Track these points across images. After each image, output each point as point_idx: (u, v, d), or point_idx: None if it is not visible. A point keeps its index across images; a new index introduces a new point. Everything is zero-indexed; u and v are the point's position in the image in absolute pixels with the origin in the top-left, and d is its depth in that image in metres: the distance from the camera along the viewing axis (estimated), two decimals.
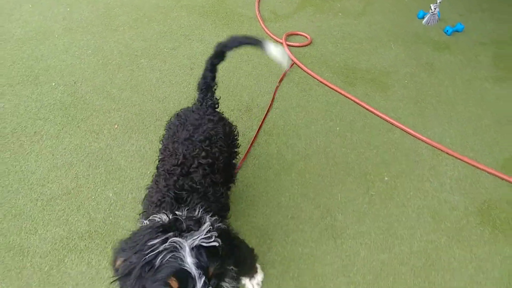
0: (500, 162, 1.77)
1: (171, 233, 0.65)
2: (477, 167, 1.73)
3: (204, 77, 1.25)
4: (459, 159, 1.76)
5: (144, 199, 1.05)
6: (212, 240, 0.66)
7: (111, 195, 1.51)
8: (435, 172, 1.70)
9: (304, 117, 1.92)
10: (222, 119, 1.21)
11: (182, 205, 0.90)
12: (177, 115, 1.19)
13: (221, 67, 1.27)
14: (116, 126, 1.80)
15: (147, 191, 1.04)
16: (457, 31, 2.74)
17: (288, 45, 2.37)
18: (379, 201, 1.56)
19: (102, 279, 1.26)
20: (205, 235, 0.66)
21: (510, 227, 1.52)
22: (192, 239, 0.64)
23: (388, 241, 1.42)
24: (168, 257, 0.61)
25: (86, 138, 1.73)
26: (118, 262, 0.68)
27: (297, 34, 2.52)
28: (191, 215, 0.78)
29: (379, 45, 2.51)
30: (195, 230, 0.67)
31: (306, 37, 2.48)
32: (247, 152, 1.71)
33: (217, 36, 2.44)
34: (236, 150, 1.28)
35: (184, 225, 0.69)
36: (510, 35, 2.75)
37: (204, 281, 0.61)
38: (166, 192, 0.93)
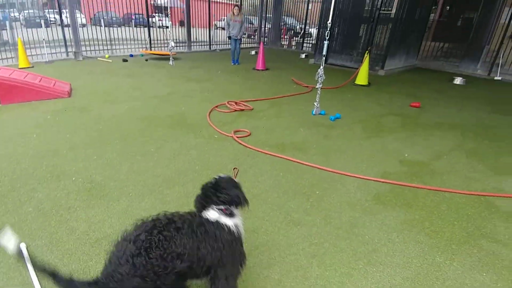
0: (379, 174, 2.94)
1: None
2: (367, 179, 2.84)
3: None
4: (355, 176, 2.87)
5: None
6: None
7: None
8: (344, 185, 2.74)
9: (258, 171, 2.90)
10: None
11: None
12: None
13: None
14: (130, 194, 2.48)
15: None
16: (337, 118, 4.40)
17: (237, 136, 3.55)
18: (316, 204, 2.45)
19: None
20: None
21: (392, 203, 2.52)
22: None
23: (327, 219, 2.26)
24: None
25: (108, 204, 2.35)
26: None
27: (240, 131, 3.77)
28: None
29: (293, 130, 3.90)
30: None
31: (246, 131, 3.74)
32: None
33: (187, 138, 3.50)
34: None
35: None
36: (366, 117, 4.51)
37: None
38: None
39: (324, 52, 4.09)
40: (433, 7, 12.01)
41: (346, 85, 6.71)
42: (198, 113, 4.32)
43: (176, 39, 11.47)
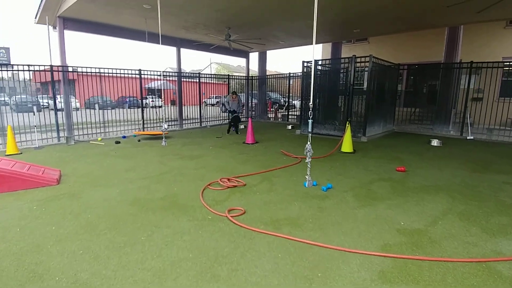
0: (379, 247, 2.87)
1: None
2: (368, 254, 2.76)
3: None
4: (356, 252, 2.79)
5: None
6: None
7: None
8: (346, 264, 2.63)
9: (255, 253, 2.78)
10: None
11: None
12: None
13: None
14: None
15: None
16: (329, 188, 4.46)
17: (231, 216, 3.49)
18: (323, 271, 2.32)
19: None
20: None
21: (398, 280, 2.41)
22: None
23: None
24: None
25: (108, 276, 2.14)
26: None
27: (234, 209, 3.73)
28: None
29: (287, 204, 3.89)
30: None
31: (240, 209, 3.70)
32: None
33: (179, 222, 3.41)
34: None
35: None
36: (356, 185, 4.59)
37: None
38: None
39: (310, 129, 4.39)
40: (400, 78, 13.43)
41: (334, 153, 6.99)
42: (190, 193, 4.30)
43: (168, 118, 12.09)
